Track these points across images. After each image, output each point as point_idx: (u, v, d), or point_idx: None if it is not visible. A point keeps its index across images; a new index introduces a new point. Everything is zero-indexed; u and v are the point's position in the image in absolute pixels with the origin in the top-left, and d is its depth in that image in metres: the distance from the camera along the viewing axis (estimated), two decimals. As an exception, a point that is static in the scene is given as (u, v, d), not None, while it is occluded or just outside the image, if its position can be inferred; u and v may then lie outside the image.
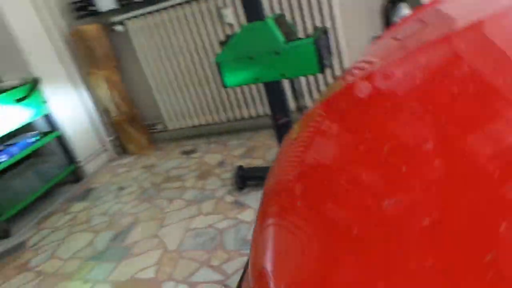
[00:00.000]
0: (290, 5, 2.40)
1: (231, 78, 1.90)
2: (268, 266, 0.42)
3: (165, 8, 2.61)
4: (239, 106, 2.80)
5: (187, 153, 2.80)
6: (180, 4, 2.58)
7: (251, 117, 2.80)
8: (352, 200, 0.35)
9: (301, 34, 2.41)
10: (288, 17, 2.43)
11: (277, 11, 2.42)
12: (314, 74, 2.36)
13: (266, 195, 0.53)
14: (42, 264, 1.88)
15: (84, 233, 2.06)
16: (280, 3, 2.41)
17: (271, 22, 1.75)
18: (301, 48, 1.71)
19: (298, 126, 0.60)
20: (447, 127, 0.34)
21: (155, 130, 3.18)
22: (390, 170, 0.34)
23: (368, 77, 0.55)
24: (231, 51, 1.85)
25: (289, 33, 1.89)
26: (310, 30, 2.44)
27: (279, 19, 1.88)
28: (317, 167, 0.45)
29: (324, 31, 1.90)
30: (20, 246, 2.12)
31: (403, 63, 0.51)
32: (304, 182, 0.45)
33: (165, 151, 2.97)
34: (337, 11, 2.35)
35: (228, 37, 1.93)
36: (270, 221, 0.47)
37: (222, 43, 1.95)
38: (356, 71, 0.63)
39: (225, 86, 1.93)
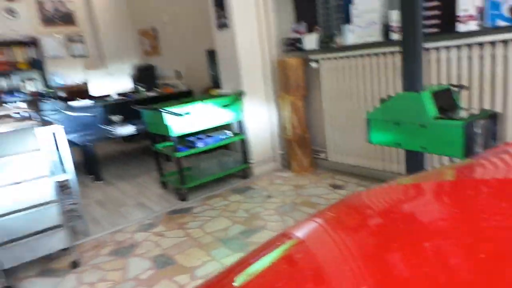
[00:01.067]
0: (481, 78, 2.25)
1: (376, 136, 2.02)
2: (295, 233, 0.47)
3: (354, 56, 2.89)
4: (398, 161, 2.80)
5: (335, 187, 3.01)
6: (368, 55, 2.80)
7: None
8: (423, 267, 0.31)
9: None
10: (476, 94, 2.28)
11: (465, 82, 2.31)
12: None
13: (340, 204, 0.53)
14: (192, 229, 2.53)
15: (226, 220, 2.62)
16: (470, 76, 2.29)
17: (426, 96, 1.78)
18: (448, 128, 1.68)
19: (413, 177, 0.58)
20: None
21: (318, 157, 3.52)
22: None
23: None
24: (382, 112, 1.97)
25: (448, 109, 1.85)
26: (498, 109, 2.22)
27: (441, 92, 1.87)
28: (409, 219, 0.43)
29: (492, 115, 1.77)
30: (188, 210, 2.87)
31: None
32: (386, 221, 0.44)
33: (319, 177, 3.26)
34: (536, 93, 2.06)
35: (388, 97, 2.04)
36: (325, 219, 0.49)
37: (382, 101, 2.08)
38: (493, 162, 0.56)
39: (369, 142, 2.06)
